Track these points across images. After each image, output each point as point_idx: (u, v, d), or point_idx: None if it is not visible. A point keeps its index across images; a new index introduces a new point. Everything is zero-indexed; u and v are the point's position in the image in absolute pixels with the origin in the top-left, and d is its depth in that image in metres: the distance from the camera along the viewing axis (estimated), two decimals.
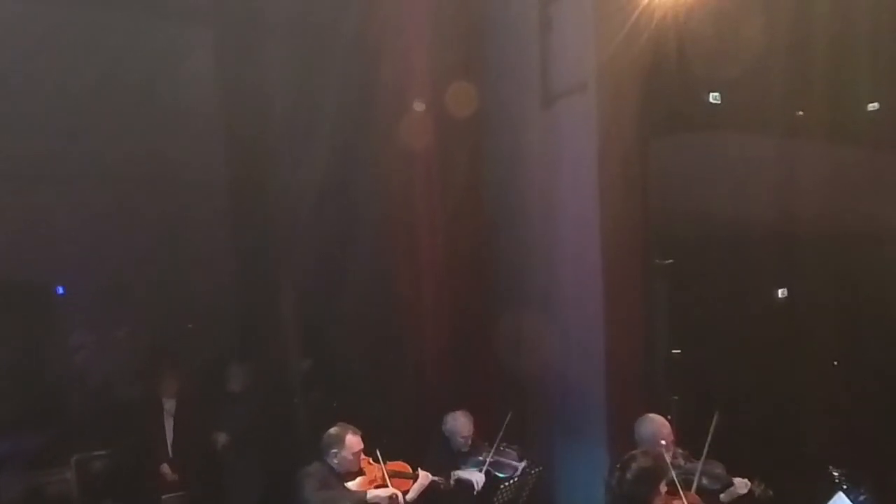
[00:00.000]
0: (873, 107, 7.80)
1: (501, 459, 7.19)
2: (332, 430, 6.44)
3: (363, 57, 8.19)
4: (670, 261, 8.20)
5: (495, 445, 7.21)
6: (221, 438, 8.53)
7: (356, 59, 8.21)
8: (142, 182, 8.69)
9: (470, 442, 7.30)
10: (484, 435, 7.39)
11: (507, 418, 7.25)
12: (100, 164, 8.54)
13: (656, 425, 6.35)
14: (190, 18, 8.73)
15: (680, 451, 6.42)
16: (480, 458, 7.20)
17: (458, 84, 8.12)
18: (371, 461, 6.63)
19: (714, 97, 7.97)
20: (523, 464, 7.18)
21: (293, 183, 8.66)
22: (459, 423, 7.31)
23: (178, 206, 8.82)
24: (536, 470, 7.20)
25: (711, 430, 6.28)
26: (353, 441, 6.41)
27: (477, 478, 7.05)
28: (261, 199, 8.93)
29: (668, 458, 6.03)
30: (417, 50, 8.12)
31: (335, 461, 6.41)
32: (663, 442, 6.19)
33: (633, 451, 5.41)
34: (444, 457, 7.24)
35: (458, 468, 7.13)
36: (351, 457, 6.41)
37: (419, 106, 8.10)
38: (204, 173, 8.88)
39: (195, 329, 8.97)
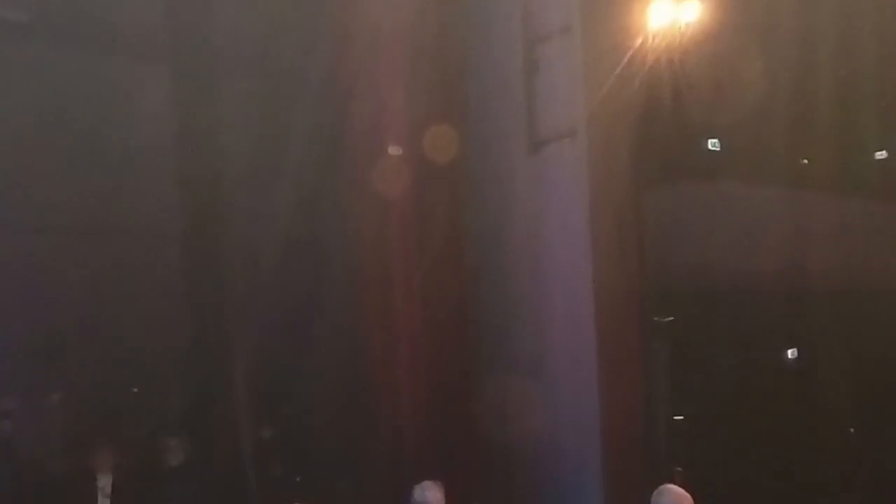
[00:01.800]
0: (881, 155, 7.60)
1: None
2: None
3: (334, 98, 7.99)
4: (670, 318, 8.00)
5: None
6: None
7: (327, 101, 8.02)
8: (82, 230, 8.22)
9: None
10: None
11: None
12: (36, 210, 8.03)
13: (677, 498, 5.70)
14: (143, 54, 8.38)
15: None
16: None
17: (437, 128, 7.90)
18: None
19: (713, 144, 7.75)
20: None
21: (254, 234, 8.32)
22: (429, 495, 6.72)
23: (124, 257, 8.31)
24: None
25: None
26: None
27: None
28: (217, 251, 8.49)
29: None
30: (394, 91, 7.93)
31: None
32: None
33: None
34: None
35: None
36: None
37: (395, 150, 7.89)
38: (154, 222, 8.45)
39: (140, 394, 8.51)
